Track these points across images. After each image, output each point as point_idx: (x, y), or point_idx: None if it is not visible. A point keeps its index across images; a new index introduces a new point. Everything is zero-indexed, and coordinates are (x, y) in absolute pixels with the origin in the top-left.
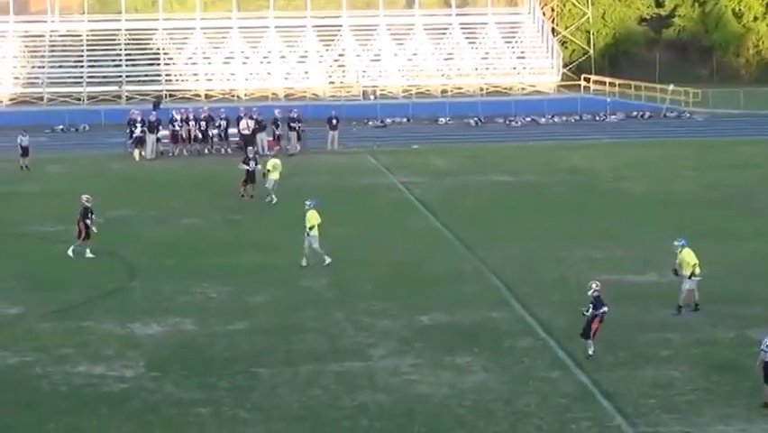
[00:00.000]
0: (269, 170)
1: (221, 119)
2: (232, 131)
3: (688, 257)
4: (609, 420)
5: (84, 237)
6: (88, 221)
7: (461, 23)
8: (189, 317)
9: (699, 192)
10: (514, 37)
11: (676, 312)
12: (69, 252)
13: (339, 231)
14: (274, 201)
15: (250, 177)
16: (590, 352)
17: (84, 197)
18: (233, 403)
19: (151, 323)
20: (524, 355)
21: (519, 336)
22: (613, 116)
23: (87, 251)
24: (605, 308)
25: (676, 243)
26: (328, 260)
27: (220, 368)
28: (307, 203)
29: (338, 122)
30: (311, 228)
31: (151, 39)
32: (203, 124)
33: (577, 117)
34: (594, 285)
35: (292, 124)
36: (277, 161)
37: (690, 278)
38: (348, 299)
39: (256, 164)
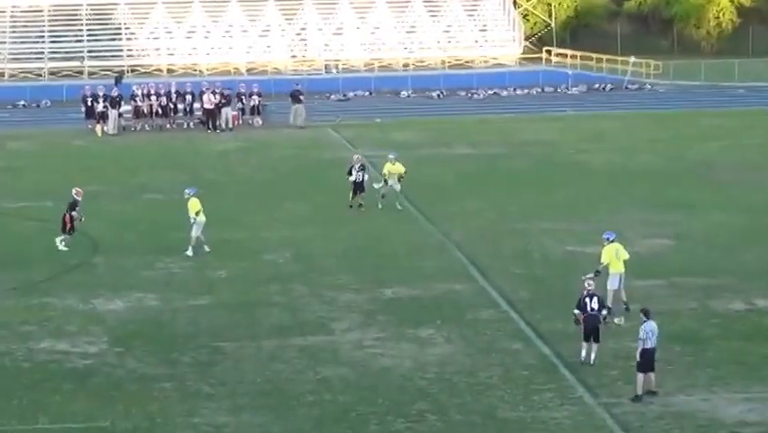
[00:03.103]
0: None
1: (187, 93)
2: (195, 105)
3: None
4: (572, 392)
5: (69, 229)
6: (74, 213)
7: None
8: (152, 293)
9: (660, 164)
10: (476, 10)
11: (608, 313)
12: (58, 242)
13: (302, 205)
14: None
15: (358, 187)
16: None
17: (74, 190)
18: (197, 378)
19: (114, 299)
20: (486, 328)
21: (482, 309)
22: (575, 89)
23: (62, 242)
24: (576, 311)
25: (605, 235)
26: (207, 249)
27: (183, 343)
28: (187, 191)
29: (302, 96)
30: (197, 214)
31: (113, 13)
32: (164, 99)
33: (539, 90)
34: (586, 283)
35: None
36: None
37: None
38: (311, 274)
39: (364, 174)
